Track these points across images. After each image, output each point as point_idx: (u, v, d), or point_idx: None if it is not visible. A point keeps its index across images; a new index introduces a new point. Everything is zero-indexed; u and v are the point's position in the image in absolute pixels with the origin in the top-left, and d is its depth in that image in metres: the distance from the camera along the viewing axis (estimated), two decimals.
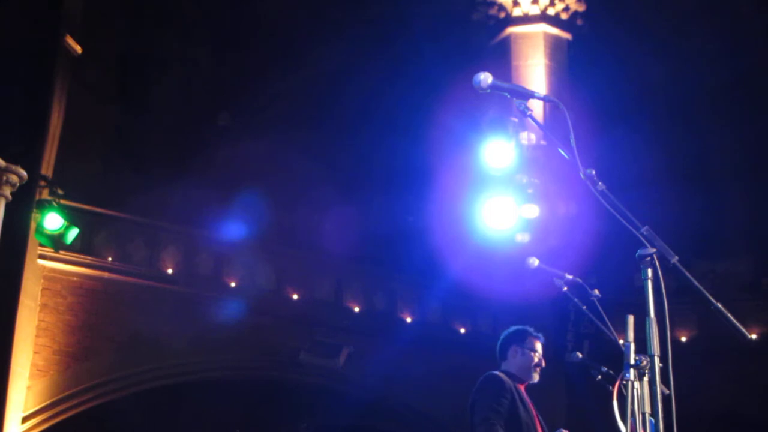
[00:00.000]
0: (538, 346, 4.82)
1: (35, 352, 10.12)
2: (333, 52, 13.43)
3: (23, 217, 9.52)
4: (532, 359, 4.76)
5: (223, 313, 11.07)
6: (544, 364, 4.80)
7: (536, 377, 4.80)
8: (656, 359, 2.38)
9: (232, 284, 11.54)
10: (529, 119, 2.59)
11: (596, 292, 4.29)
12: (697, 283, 2.38)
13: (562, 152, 2.47)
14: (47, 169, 10.25)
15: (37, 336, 10.16)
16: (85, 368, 10.48)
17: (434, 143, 11.77)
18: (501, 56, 12.94)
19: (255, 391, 12.29)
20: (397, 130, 13.31)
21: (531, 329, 4.88)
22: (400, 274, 12.69)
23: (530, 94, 2.57)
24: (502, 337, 4.92)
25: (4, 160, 4.04)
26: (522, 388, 4.77)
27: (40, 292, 10.30)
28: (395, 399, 12.30)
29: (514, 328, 4.92)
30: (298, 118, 14.13)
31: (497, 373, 4.72)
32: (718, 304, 2.38)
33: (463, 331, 12.54)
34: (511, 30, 13.21)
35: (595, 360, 4.84)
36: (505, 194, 9.40)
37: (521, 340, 4.82)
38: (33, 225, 9.92)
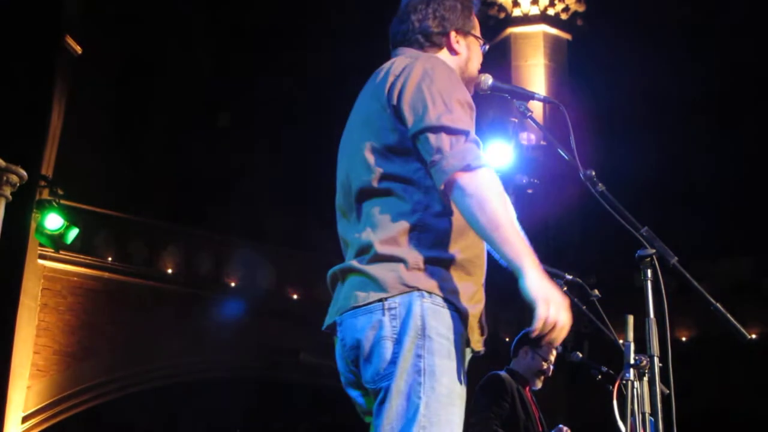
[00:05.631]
0: (551, 354, 4.78)
1: (35, 352, 10.12)
2: (334, 51, 13.44)
3: (23, 217, 9.52)
4: (540, 365, 4.74)
5: (223, 313, 11.08)
6: (550, 373, 4.77)
7: (539, 384, 4.77)
8: (656, 359, 2.38)
9: (232, 284, 11.54)
10: (528, 120, 2.59)
11: (596, 292, 4.28)
12: (696, 284, 2.38)
13: (562, 153, 2.47)
14: (47, 169, 10.25)
15: (37, 336, 10.16)
16: (85, 368, 10.48)
17: None
18: (501, 56, 12.95)
19: (255, 391, 12.29)
20: None
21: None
22: None
23: (530, 96, 2.57)
24: (519, 334, 4.89)
25: (4, 160, 4.04)
26: (526, 389, 4.77)
27: (40, 292, 10.30)
28: None
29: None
30: (299, 118, 14.13)
31: (500, 373, 4.72)
32: (718, 304, 2.38)
33: None
34: (511, 30, 13.23)
35: (595, 360, 4.83)
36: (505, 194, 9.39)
37: (536, 343, 4.76)
38: (33, 225, 9.93)
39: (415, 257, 2.05)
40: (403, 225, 2.07)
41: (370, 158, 2.14)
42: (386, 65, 2.25)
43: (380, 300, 2.05)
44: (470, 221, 2.00)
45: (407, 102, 2.08)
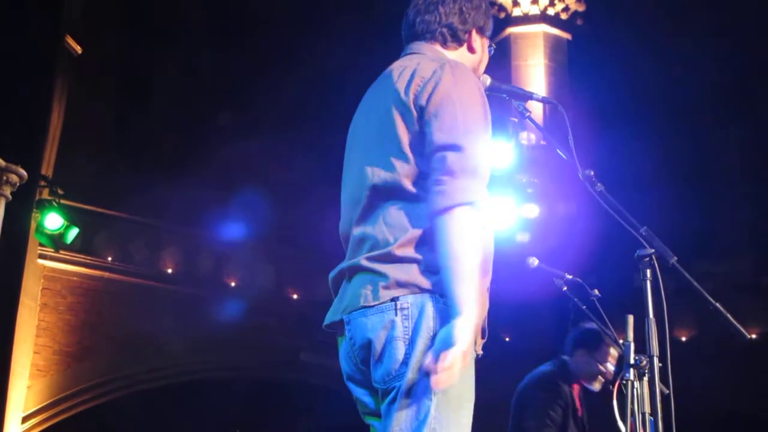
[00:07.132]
0: (611, 356, 4.51)
1: (35, 352, 10.12)
2: (333, 51, 13.43)
3: (23, 217, 9.51)
4: (597, 368, 4.53)
5: (223, 313, 11.08)
6: (611, 376, 4.48)
7: (597, 386, 4.55)
8: (655, 359, 2.38)
9: (232, 284, 11.54)
10: (527, 120, 2.58)
11: (596, 292, 4.26)
12: (696, 283, 2.38)
13: (561, 153, 2.47)
14: (47, 169, 10.25)
15: (37, 336, 10.17)
16: (85, 368, 10.48)
17: None
18: (501, 56, 12.93)
19: (255, 391, 12.30)
20: None
21: (610, 336, 4.37)
22: None
23: (528, 96, 2.57)
24: (576, 332, 4.66)
25: (4, 160, 4.03)
26: (576, 388, 4.57)
27: (40, 292, 10.30)
28: None
29: (590, 328, 4.53)
30: (298, 117, 14.13)
31: (553, 370, 4.57)
32: (717, 304, 2.38)
33: None
34: (511, 30, 13.22)
35: None
36: (505, 194, 9.40)
37: (594, 347, 4.55)
38: (33, 225, 9.92)
39: (429, 259, 2.03)
40: (420, 227, 2.06)
41: (390, 157, 2.11)
42: (410, 64, 2.20)
43: (393, 300, 2.04)
44: (439, 248, 1.99)
45: (432, 111, 2.06)
